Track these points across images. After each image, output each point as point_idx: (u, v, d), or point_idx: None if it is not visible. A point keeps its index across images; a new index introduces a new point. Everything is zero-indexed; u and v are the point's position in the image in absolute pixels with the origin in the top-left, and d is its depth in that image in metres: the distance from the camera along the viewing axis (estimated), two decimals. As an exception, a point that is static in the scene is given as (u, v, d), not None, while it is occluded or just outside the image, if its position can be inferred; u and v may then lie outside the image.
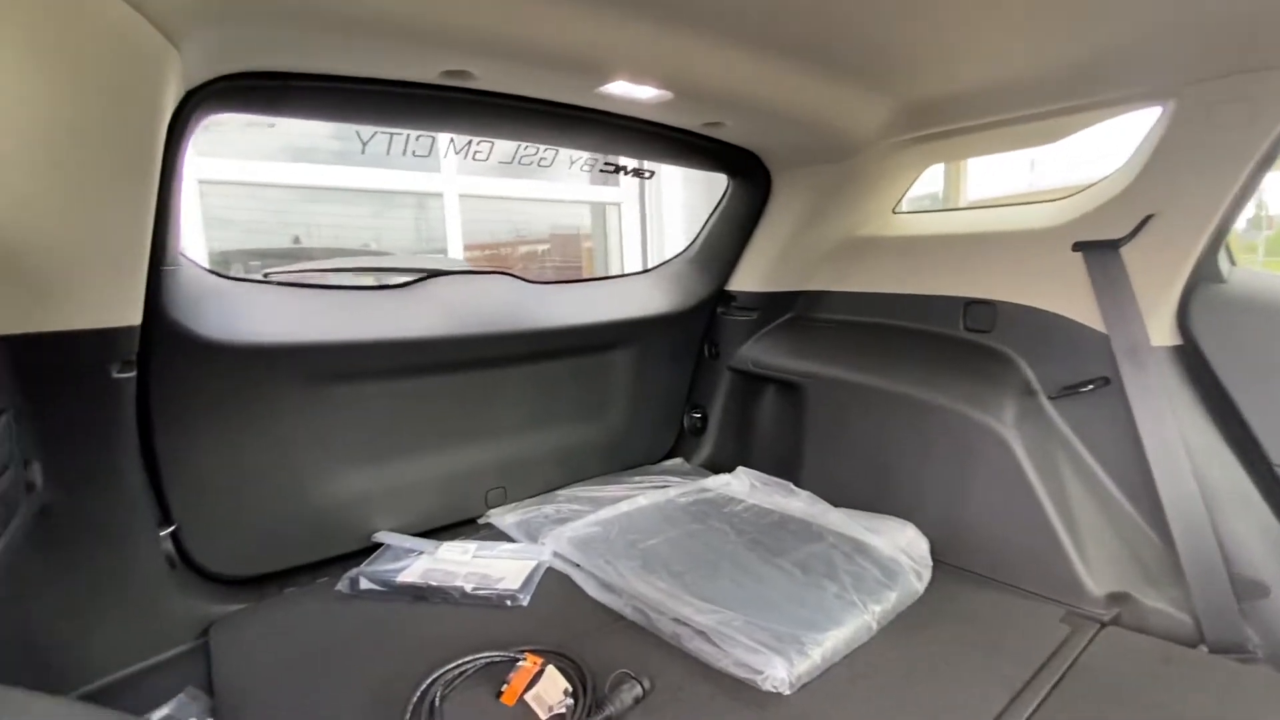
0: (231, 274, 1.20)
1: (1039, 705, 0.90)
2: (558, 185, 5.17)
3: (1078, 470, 1.25)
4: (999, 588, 1.22)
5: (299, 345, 1.20)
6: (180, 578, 1.15)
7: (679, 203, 4.75)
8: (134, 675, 1.01)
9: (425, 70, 0.95)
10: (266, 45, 0.80)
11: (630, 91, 1.06)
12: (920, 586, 1.19)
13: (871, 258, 1.64)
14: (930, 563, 1.26)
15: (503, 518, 1.51)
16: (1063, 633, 1.07)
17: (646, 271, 1.90)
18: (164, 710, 0.85)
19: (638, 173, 1.60)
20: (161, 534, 1.10)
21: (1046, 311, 1.30)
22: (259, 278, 1.39)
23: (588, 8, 0.84)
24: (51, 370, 0.81)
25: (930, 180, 1.68)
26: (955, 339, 1.45)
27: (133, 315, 0.86)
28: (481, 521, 1.54)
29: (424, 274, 1.44)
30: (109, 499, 0.98)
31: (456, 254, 4.80)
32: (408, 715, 0.87)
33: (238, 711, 0.92)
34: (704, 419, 1.94)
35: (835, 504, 1.45)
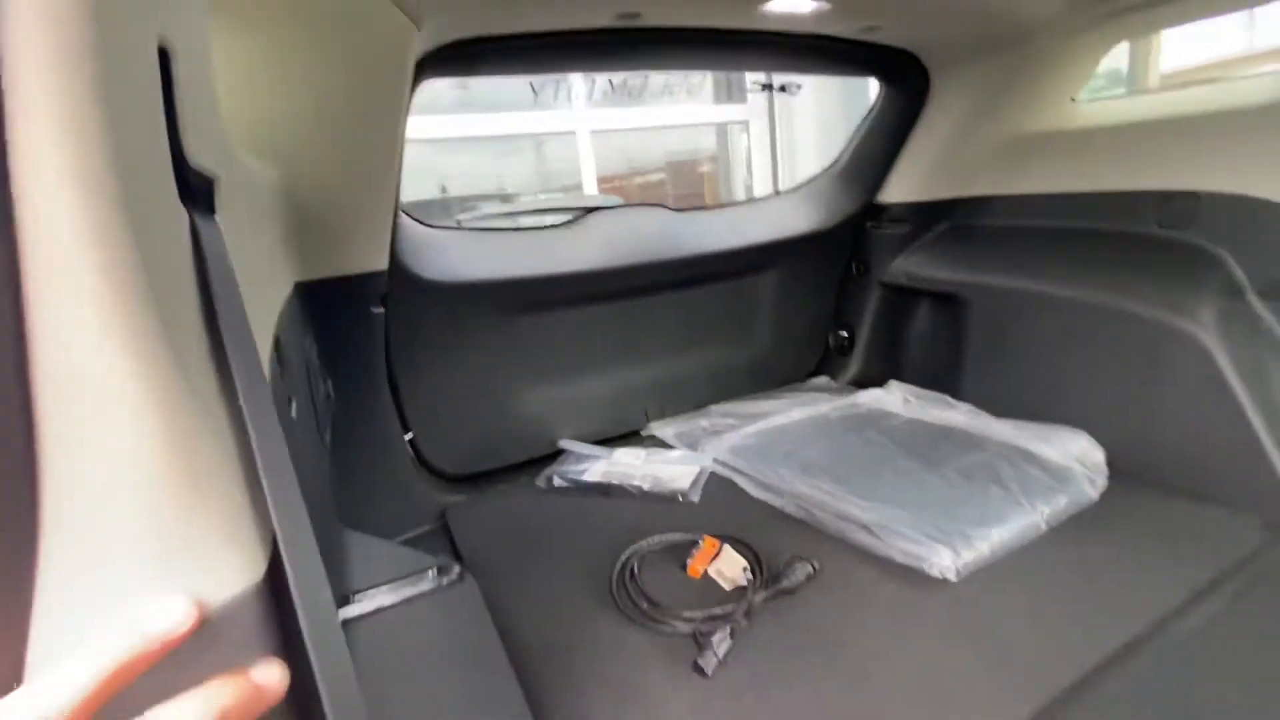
0: (431, 222, 1.41)
1: (1226, 608, 0.89)
2: (681, 109, 5.09)
3: None
4: (1187, 495, 1.17)
5: (493, 281, 1.39)
6: (420, 473, 1.43)
7: (810, 116, 4.51)
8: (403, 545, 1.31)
9: (601, 16, 1.03)
10: (480, 16, 0.93)
11: (791, 5, 1.06)
12: (1094, 493, 1.18)
13: (1044, 155, 1.51)
14: (1106, 471, 1.23)
15: (663, 429, 1.67)
16: (1259, 539, 1.02)
17: (792, 191, 1.90)
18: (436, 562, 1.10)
19: (783, 88, 1.59)
20: (405, 439, 1.38)
21: (1264, 199, 1.15)
22: (454, 224, 1.60)
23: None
24: (334, 308, 1.04)
25: (1112, 54, 1.48)
26: (1148, 238, 1.33)
27: (384, 261, 1.07)
28: (644, 434, 1.71)
29: (584, 210, 1.57)
30: (371, 410, 1.24)
31: (591, 188, 4.97)
32: (614, 578, 1.06)
33: (481, 575, 1.17)
34: (851, 337, 1.95)
35: (1000, 417, 1.43)
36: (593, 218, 1.56)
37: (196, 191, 0.39)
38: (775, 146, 4.84)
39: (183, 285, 0.33)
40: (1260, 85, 1.17)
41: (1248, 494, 1.11)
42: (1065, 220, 1.48)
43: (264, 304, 0.59)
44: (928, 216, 1.73)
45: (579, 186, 5.05)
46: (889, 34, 1.33)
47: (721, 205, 1.90)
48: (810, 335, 1.98)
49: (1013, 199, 1.59)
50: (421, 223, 1.40)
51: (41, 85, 0.22)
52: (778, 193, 1.96)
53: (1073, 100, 1.49)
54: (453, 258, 1.37)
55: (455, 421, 1.47)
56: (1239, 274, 1.20)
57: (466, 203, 4.91)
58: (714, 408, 1.78)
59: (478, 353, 1.46)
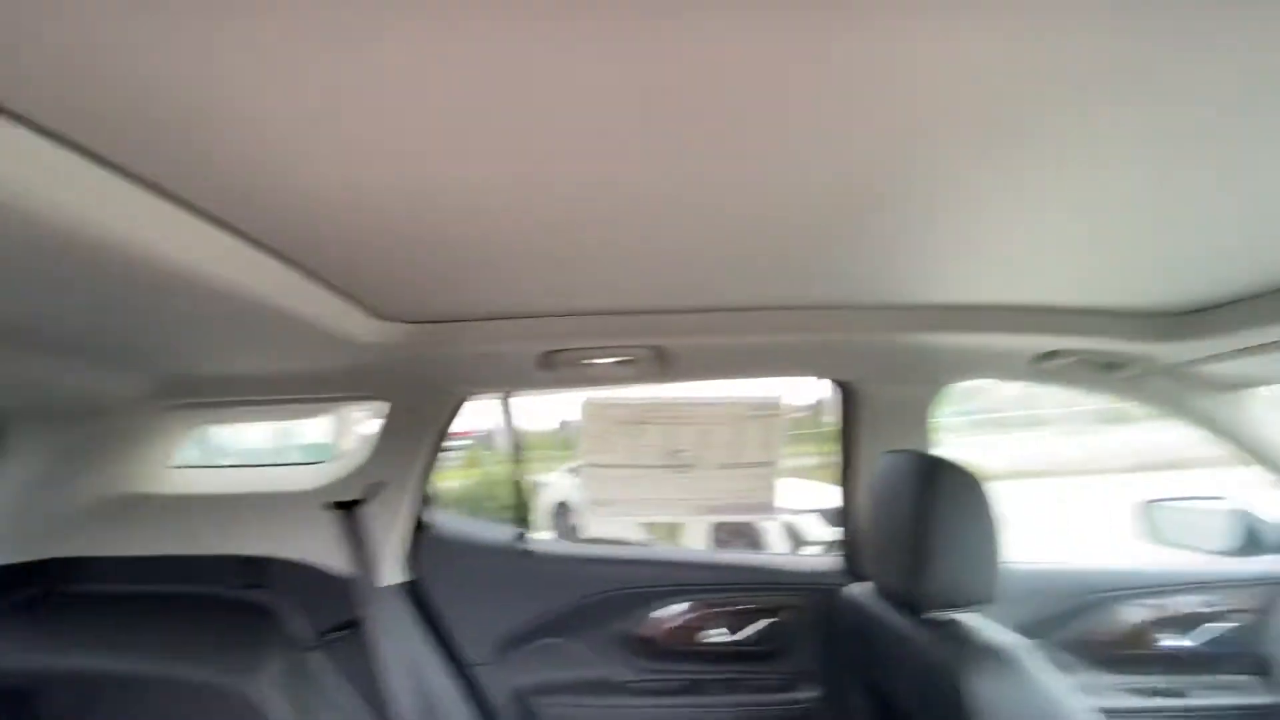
0: None
1: None
2: None
3: (333, 710, 1.37)
4: None
5: None
6: None
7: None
8: None
9: None
10: None
11: None
12: None
13: (145, 517, 1.50)
14: None
15: None
16: None
17: None
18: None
19: None
20: None
21: (310, 565, 1.46)
22: None
23: None
24: None
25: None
26: (227, 600, 1.44)
27: None
28: None
29: None
30: None
31: None
32: None
33: None
34: None
35: None
36: None
37: None
38: None
39: None
40: (305, 473, 1.55)
41: None
42: (169, 584, 1.46)
43: None
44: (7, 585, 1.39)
45: None
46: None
47: None
48: None
49: (117, 561, 1.47)
50: None
51: None
52: None
53: (168, 467, 1.59)
54: None
55: None
56: (300, 629, 1.43)
57: None
58: None
59: None
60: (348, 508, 1.44)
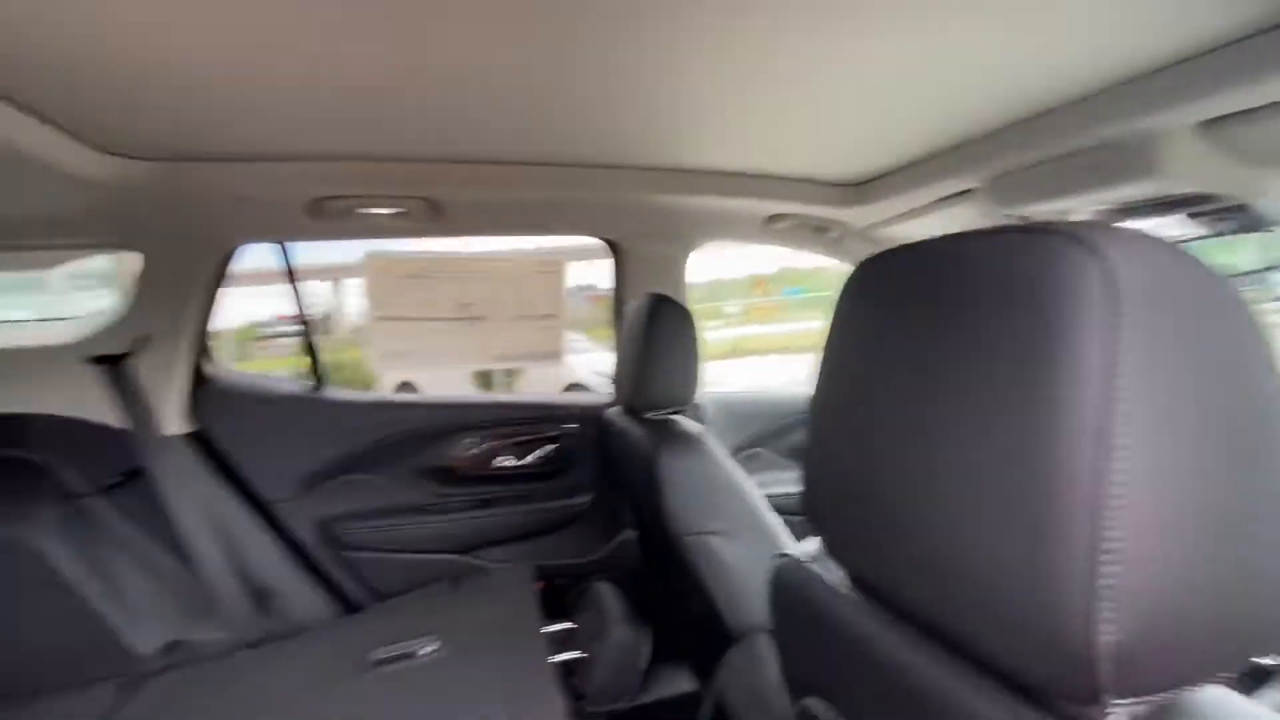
0: None
1: None
2: None
3: (124, 552, 1.44)
4: (51, 692, 1.26)
5: None
6: None
7: None
8: None
9: None
10: None
11: None
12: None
13: None
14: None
15: None
16: (109, 698, 1.22)
17: None
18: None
19: None
20: None
21: (77, 419, 1.42)
22: None
23: None
24: None
25: None
26: None
27: None
28: None
29: None
30: None
31: None
32: None
33: None
34: None
35: None
36: None
37: None
38: None
39: None
40: (60, 328, 1.46)
41: (99, 666, 1.31)
42: None
43: None
44: None
45: None
46: None
47: None
48: None
49: None
50: None
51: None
52: None
53: None
54: None
55: None
56: (73, 481, 1.42)
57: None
58: None
59: None
60: (114, 361, 1.41)
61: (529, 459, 1.77)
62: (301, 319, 1.62)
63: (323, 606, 1.59)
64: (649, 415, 1.32)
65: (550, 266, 1.77)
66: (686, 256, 1.75)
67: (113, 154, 1.04)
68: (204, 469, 1.52)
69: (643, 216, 1.57)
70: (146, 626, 1.38)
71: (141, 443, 1.42)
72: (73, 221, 1.23)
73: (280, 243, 1.51)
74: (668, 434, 1.23)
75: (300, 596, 1.56)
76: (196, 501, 1.47)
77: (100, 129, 0.97)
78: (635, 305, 1.36)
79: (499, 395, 2.25)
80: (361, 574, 1.64)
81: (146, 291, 1.43)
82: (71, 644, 1.32)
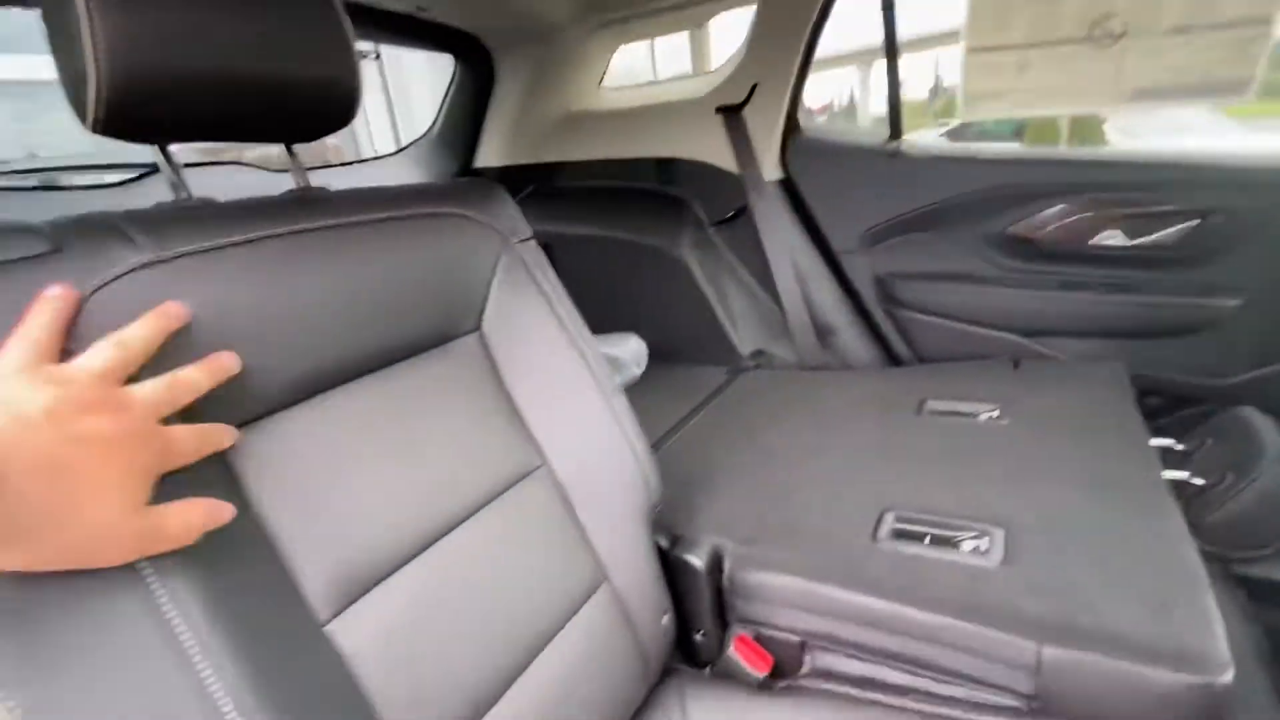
0: None
1: (705, 406, 1.46)
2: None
3: (732, 275, 1.79)
4: (690, 362, 1.76)
5: None
6: None
7: (426, 83, 4.57)
8: None
9: None
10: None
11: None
12: (638, 371, 1.70)
13: (588, 129, 1.96)
14: (646, 356, 1.76)
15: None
16: (724, 379, 1.64)
17: (394, 154, 2.01)
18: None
19: (362, 54, 1.68)
20: None
21: (705, 163, 1.76)
22: None
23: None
24: None
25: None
26: (653, 192, 1.87)
27: None
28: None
29: (149, 168, 1.42)
30: None
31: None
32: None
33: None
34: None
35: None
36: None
37: None
38: (392, 108, 4.78)
39: None
40: (697, 83, 1.76)
41: (718, 355, 1.74)
42: (611, 180, 1.96)
43: None
44: (516, 179, 2.06)
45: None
46: (442, 14, 1.55)
47: (329, 165, 1.90)
48: None
49: (572, 164, 2.01)
50: None
51: None
52: (385, 155, 2.05)
53: (600, 86, 1.96)
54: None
55: None
56: (701, 213, 1.81)
57: None
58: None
59: None
60: (733, 111, 1.64)
61: (1149, 239, 1.35)
62: (892, 66, 1.52)
63: (875, 356, 1.70)
64: None
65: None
66: None
67: None
68: (789, 215, 1.70)
69: None
70: (743, 333, 1.76)
71: (748, 185, 1.67)
72: None
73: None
74: None
75: (855, 341, 1.70)
76: (782, 243, 1.68)
77: None
78: None
79: (1110, 149, 1.75)
80: (910, 334, 1.65)
81: (757, 41, 1.56)
82: (697, 334, 1.79)
